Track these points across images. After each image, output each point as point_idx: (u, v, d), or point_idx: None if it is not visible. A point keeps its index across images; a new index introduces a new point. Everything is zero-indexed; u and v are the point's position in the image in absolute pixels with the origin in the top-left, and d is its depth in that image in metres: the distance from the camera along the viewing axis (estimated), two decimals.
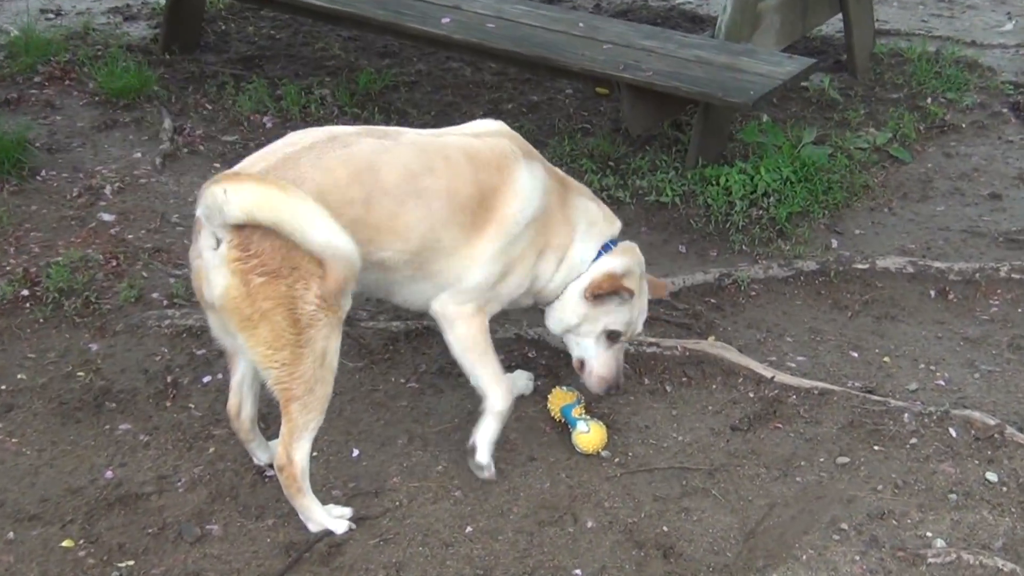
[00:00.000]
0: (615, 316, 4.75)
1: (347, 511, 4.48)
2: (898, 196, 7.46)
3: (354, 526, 4.42)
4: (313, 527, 4.39)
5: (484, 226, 4.37)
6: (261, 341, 4.02)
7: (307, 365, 4.07)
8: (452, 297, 4.50)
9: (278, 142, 4.26)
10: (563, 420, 5.00)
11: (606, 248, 4.77)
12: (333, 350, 4.17)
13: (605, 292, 4.65)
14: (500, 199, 4.39)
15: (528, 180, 4.47)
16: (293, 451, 4.24)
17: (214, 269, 3.97)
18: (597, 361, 4.81)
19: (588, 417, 4.93)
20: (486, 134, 4.60)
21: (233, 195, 3.77)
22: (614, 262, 4.73)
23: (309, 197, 3.85)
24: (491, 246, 4.40)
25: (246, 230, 3.85)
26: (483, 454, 4.67)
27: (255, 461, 4.73)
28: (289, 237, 3.82)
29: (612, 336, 4.78)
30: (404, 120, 8.03)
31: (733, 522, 4.50)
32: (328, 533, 4.37)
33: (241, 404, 4.60)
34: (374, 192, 4.15)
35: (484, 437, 4.68)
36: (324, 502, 4.46)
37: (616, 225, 4.88)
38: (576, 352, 4.88)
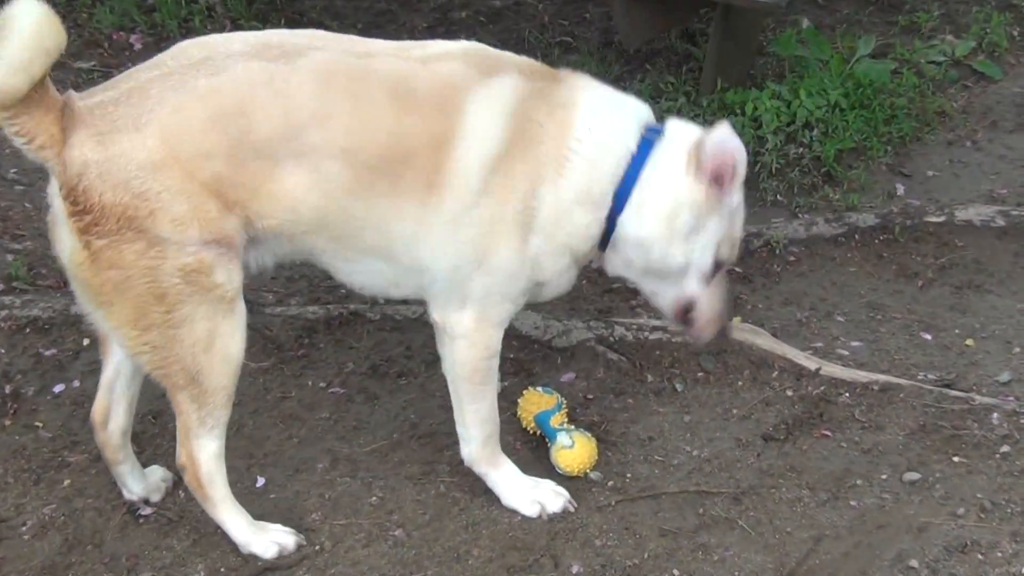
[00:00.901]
0: (727, 231, 4.51)
1: (288, 532, 4.58)
2: (984, 125, 7.52)
3: (291, 548, 4.52)
4: (241, 548, 4.52)
5: (423, 191, 4.20)
6: (122, 320, 4.08)
7: (184, 350, 4.13)
8: (444, 300, 4.49)
9: (159, 56, 4.22)
10: (539, 431, 5.04)
11: (648, 141, 4.42)
12: (225, 333, 4.20)
13: (725, 168, 4.34)
14: (441, 152, 4.17)
15: (483, 111, 4.20)
16: (193, 450, 4.33)
17: (58, 224, 4.04)
18: (706, 298, 4.62)
19: (571, 427, 4.97)
20: (446, 56, 4.33)
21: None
22: (689, 134, 4.45)
23: None
24: (441, 217, 4.24)
25: (70, 172, 3.86)
26: (525, 505, 4.77)
27: (125, 495, 4.76)
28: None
29: (719, 266, 4.58)
30: None
31: (767, 562, 4.53)
32: (256, 561, 4.49)
33: (111, 409, 4.63)
34: (242, 145, 4.05)
35: (505, 487, 4.80)
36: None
37: (646, 109, 4.58)
38: (670, 294, 4.63)
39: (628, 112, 4.47)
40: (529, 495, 4.73)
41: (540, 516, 4.69)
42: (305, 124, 4.06)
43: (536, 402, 5.08)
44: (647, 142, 4.38)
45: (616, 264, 4.58)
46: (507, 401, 5.19)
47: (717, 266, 4.53)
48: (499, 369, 4.82)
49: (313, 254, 4.40)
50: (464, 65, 4.28)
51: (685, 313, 4.65)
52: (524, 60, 4.44)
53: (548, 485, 4.79)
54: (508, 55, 4.45)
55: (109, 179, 3.85)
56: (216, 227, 4.01)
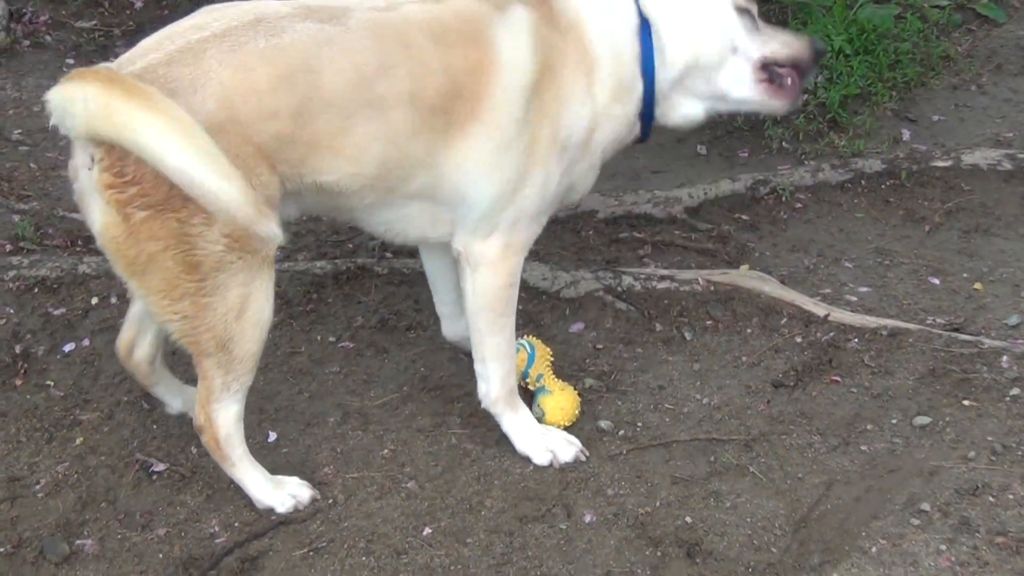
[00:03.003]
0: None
1: (303, 485, 4.60)
2: (989, 69, 7.50)
3: (305, 501, 4.55)
4: (258, 504, 4.55)
5: (469, 122, 4.32)
6: (153, 289, 4.08)
7: (216, 318, 4.14)
8: (472, 230, 4.52)
9: (184, 21, 4.19)
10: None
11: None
12: (258, 299, 4.22)
13: None
14: (482, 82, 4.29)
15: (509, 39, 4.35)
16: (212, 412, 4.36)
17: (90, 196, 4.01)
18: (768, 49, 4.76)
19: (543, 386, 5.02)
20: None
21: (73, 102, 3.75)
22: None
23: (178, 108, 3.78)
24: (487, 145, 4.33)
25: (120, 148, 3.85)
26: (537, 452, 4.78)
27: (167, 410, 4.83)
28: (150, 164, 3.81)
29: (749, 20, 4.77)
30: None
31: (779, 507, 4.55)
32: (271, 514, 4.52)
33: (135, 341, 4.69)
34: (311, 102, 4.08)
35: (518, 432, 4.81)
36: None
37: None
38: (745, 67, 4.77)
39: None
40: (542, 442, 4.75)
41: (552, 464, 4.71)
42: (373, 76, 4.11)
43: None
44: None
45: (679, 111, 4.79)
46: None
47: (747, 19, 4.71)
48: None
49: (350, 210, 4.44)
50: (476, 2, 4.39)
51: (768, 76, 4.74)
52: None
53: (561, 434, 4.80)
54: None
55: None
56: (264, 189, 4.01)
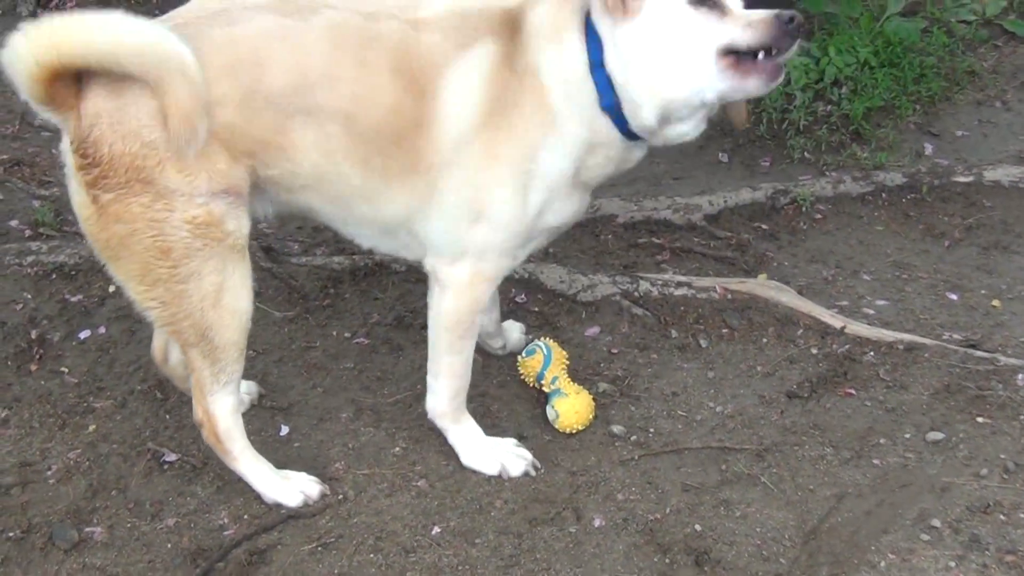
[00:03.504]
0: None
1: (314, 480, 4.61)
2: (1015, 85, 7.49)
3: (315, 497, 4.55)
4: (265, 498, 4.56)
5: (407, 173, 4.22)
6: (129, 274, 4.12)
7: (192, 306, 4.16)
8: (438, 254, 4.48)
9: (178, 8, 4.24)
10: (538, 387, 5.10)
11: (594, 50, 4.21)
12: (233, 287, 4.22)
13: None
14: (422, 135, 4.18)
15: (457, 88, 4.19)
16: (208, 406, 4.38)
17: (71, 180, 4.07)
18: (734, 30, 4.12)
19: (558, 388, 5.00)
20: (432, 23, 4.27)
21: (15, 51, 3.71)
22: None
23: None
24: (428, 193, 4.27)
25: (83, 124, 3.87)
26: (485, 463, 4.76)
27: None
28: (108, 63, 3.79)
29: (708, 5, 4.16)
30: None
31: (788, 518, 4.54)
32: (280, 508, 4.53)
33: (168, 346, 4.74)
34: (253, 95, 4.07)
35: (464, 445, 4.79)
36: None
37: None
38: (707, 55, 4.13)
39: (570, 25, 4.22)
40: (491, 455, 4.74)
41: (501, 475, 4.70)
42: (315, 82, 4.07)
43: (530, 367, 5.09)
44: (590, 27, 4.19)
45: (647, 108, 4.23)
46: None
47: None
48: (523, 323, 4.82)
49: (312, 211, 4.42)
50: (442, 37, 4.21)
51: (735, 60, 4.12)
52: (499, 13, 4.28)
53: (510, 447, 4.79)
54: (487, 11, 4.30)
55: (119, 128, 3.86)
56: (224, 178, 4.03)
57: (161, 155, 3.89)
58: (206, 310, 4.16)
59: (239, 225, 4.13)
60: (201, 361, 4.28)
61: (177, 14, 4.13)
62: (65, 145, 4.00)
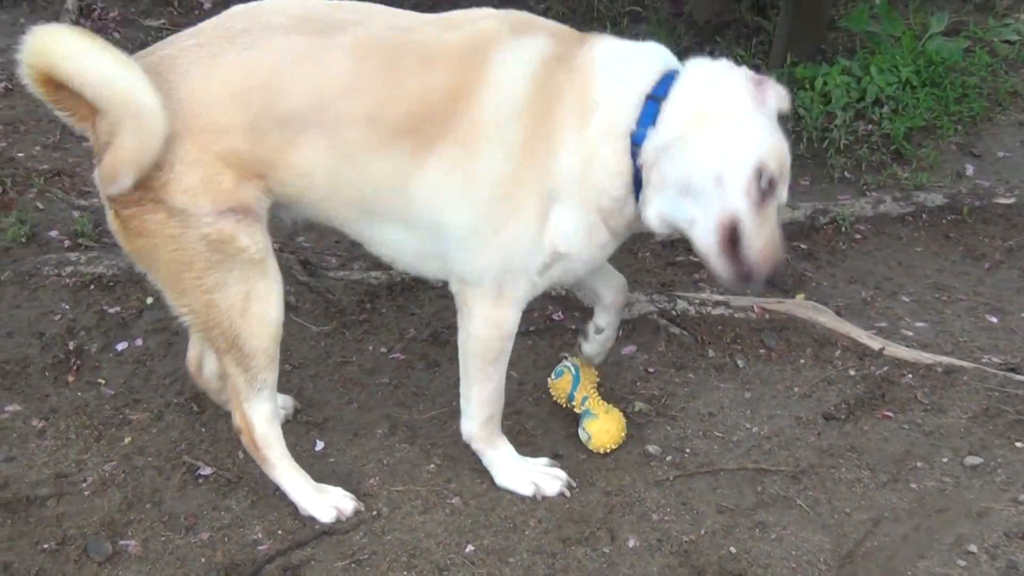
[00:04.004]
0: (770, 140, 4.10)
1: (349, 496, 4.60)
2: None
3: (348, 513, 4.55)
4: (300, 509, 4.57)
5: (440, 142, 4.14)
6: (163, 283, 4.22)
7: (221, 315, 4.20)
8: (462, 274, 4.43)
9: (204, 23, 4.25)
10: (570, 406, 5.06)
11: (668, 77, 4.19)
12: (260, 297, 4.24)
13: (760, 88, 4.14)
14: (462, 100, 4.12)
15: (509, 63, 4.16)
16: (247, 411, 4.41)
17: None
18: (756, 221, 4.04)
19: (587, 409, 4.96)
20: (484, 17, 4.34)
21: (28, 39, 3.82)
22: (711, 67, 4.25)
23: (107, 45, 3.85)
24: (461, 167, 4.16)
25: (99, 140, 3.91)
26: (520, 484, 4.73)
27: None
28: (76, 84, 3.80)
29: (767, 186, 4.02)
30: None
31: (824, 542, 4.52)
32: (314, 523, 4.52)
33: (203, 357, 4.77)
34: (263, 120, 4.06)
35: (499, 467, 4.76)
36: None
37: (666, 54, 4.37)
38: (712, 214, 4.05)
39: (644, 57, 4.29)
40: (525, 476, 4.72)
41: (535, 496, 4.67)
42: (335, 97, 4.06)
43: (560, 389, 5.06)
44: (667, 78, 4.18)
45: (655, 206, 4.15)
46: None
47: (765, 183, 4.01)
48: (561, 340, 4.79)
49: (339, 222, 4.40)
50: (497, 23, 4.26)
51: (732, 243, 4.05)
52: (558, 26, 4.35)
53: (544, 466, 4.78)
54: (546, 22, 4.38)
55: None
56: (230, 197, 4.04)
57: (166, 176, 3.93)
58: (234, 319, 4.20)
59: (253, 240, 4.13)
60: (235, 368, 4.31)
61: (199, 30, 4.16)
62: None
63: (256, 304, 4.22)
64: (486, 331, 4.46)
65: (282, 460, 4.53)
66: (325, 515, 4.52)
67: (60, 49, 3.79)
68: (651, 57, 4.30)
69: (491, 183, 4.16)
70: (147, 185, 3.92)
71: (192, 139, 3.94)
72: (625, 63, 4.23)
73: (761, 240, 4.04)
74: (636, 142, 4.11)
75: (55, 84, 3.82)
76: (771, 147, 4.06)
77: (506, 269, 4.32)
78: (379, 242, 4.45)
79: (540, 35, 4.23)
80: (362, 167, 4.16)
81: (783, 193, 4.13)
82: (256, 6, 4.27)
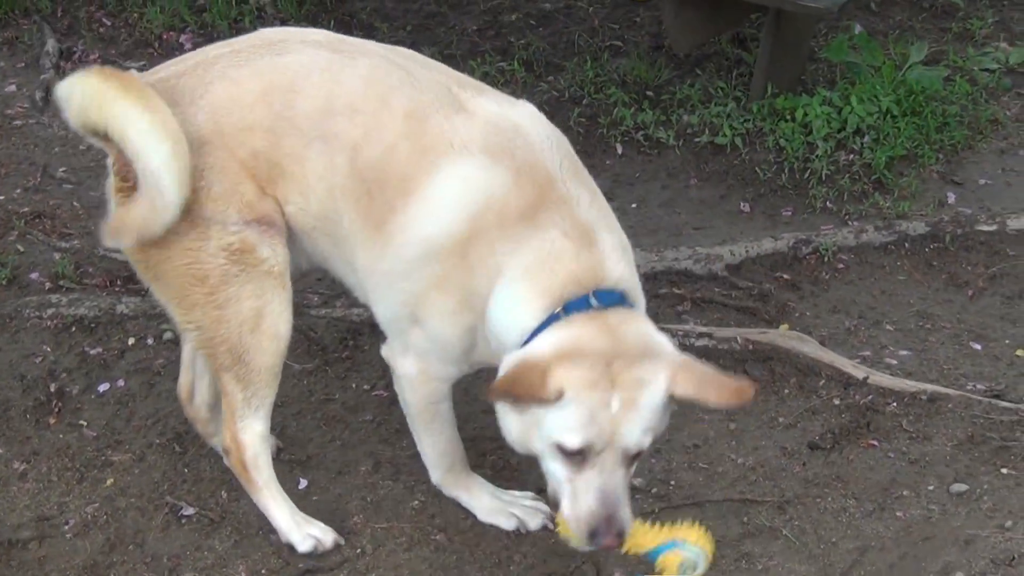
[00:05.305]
0: (561, 418, 3.74)
1: (327, 530, 4.58)
2: None
3: (327, 545, 4.53)
4: (280, 535, 4.56)
5: (379, 228, 4.04)
6: (169, 297, 4.21)
7: (230, 331, 4.19)
8: (390, 339, 4.43)
9: (237, 38, 4.37)
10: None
11: (563, 313, 3.85)
12: (272, 311, 4.24)
13: (502, 395, 3.84)
14: (401, 200, 4.00)
15: (452, 186, 3.97)
16: (238, 432, 4.40)
17: (110, 198, 4.15)
18: (565, 493, 3.86)
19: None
20: (484, 115, 4.09)
21: (72, 92, 3.94)
22: (548, 340, 3.81)
23: (156, 96, 3.89)
24: (389, 256, 4.06)
25: (124, 154, 3.94)
26: (501, 518, 4.70)
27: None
28: (115, 139, 3.90)
29: (573, 454, 3.77)
30: (371, 36, 8.03)
31: (811, 572, 4.52)
32: (299, 562, 4.51)
33: (195, 385, 4.77)
34: (281, 120, 4.10)
35: (478, 506, 4.73)
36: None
37: (607, 273, 3.96)
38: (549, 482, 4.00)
39: (558, 277, 3.88)
40: (505, 509, 4.69)
41: (519, 529, 4.64)
42: (338, 110, 4.07)
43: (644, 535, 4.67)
44: (554, 317, 3.83)
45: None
46: None
47: (575, 454, 3.77)
48: None
49: (325, 259, 4.41)
50: (481, 134, 4.03)
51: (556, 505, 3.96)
52: (542, 166, 4.02)
53: (526, 500, 4.75)
54: (538, 144, 4.07)
55: None
56: (254, 208, 4.09)
57: (196, 183, 3.96)
58: (244, 335, 4.21)
59: (273, 253, 4.16)
60: (234, 385, 4.30)
61: (233, 42, 4.26)
62: (109, 164, 4.09)
63: (268, 320, 4.23)
64: (415, 398, 4.50)
65: (268, 484, 4.53)
66: (303, 544, 4.52)
67: (101, 110, 3.87)
68: (550, 288, 3.88)
69: (404, 291, 4.11)
70: None
71: (222, 142, 4.00)
72: (535, 279, 3.90)
73: (570, 511, 3.83)
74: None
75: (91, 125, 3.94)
76: (564, 423, 3.73)
77: (430, 351, 4.28)
78: (350, 282, 4.45)
79: (506, 173, 3.97)
80: (338, 208, 4.16)
81: (625, 446, 3.77)
82: (293, 28, 4.44)
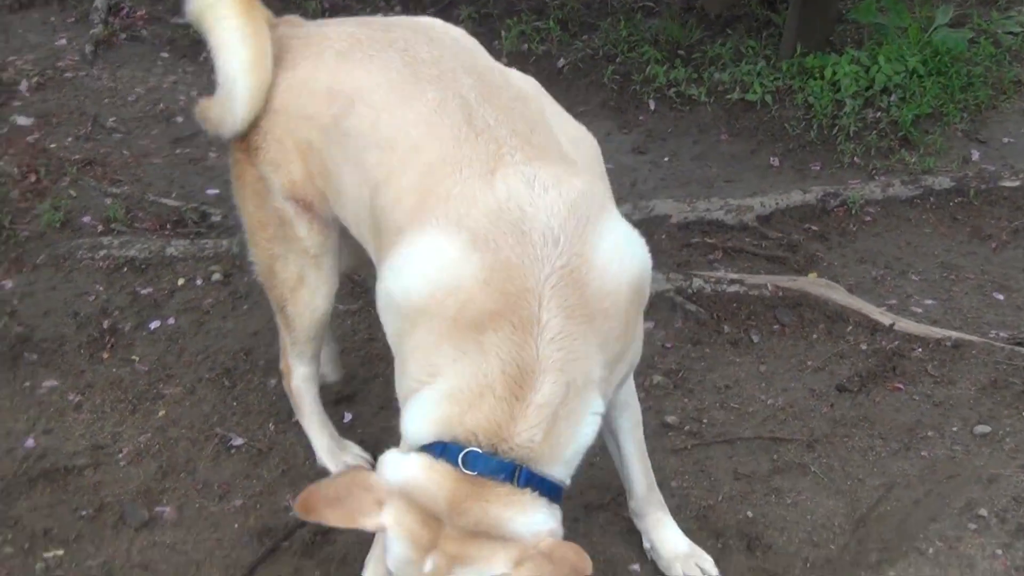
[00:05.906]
0: (387, 543, 3.32)
1: (365, 456, 4.69)
2: None
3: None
4: (317, 459, 4.70)
5: (381, 260, 3.62)
6: (246, 225, 4.28)
7: (278, 282, 4.28)
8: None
9: (374, 18, 4.28)
10: None
11: (436, 454, 3.26)
12: (310, 286, 4.27)
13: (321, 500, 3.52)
14: (394, 248, 3.49)
15: (427, 251, 3.39)
16: (289, 364, 4.54)
17: None
18: None
19: None
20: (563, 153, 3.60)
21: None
22: (405, 470, 3.32)
23: (263, 21, 3.98)
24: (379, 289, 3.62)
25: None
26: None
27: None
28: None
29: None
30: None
31: (838, 506, 4.55)
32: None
33: None
34: (335, 126, 3.84)
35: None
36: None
37: (514, 437, 3.27)
38: None
39: (449, 417, 3.30)
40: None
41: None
42: (375, 143, 3.69)
43: None
44: (439, 448, 3.27)
45: None
46: None
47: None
48: None
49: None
50: (482, 213, 3.34)
51: None
52: (506, 265, 3.27)
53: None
54: (534, 249, 3.27)
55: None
56: (296, 188, 4.01)
57: (259, 141, 3.99)
58: (285, 292, 4.29)
59: (309, 235, 4.12)
60: (283, 328, 4.42)
61: (367, 22, 4.13)
62: None
63: (305, 290, 4.29)
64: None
65: (311, 414, 4.66)
66: (334, 467, 4.61)
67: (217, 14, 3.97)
68: (436, 416, 3.35)
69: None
70: (247, 140, 4.03)
71: (285, 118, 3.95)
72: (424, 397, 3.41)
73: None
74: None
75: None
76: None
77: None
78: None
79: (480, 266, 3.30)
80: (362, 232, 3.89)
81: None
82: (428, 26, 4.10)
